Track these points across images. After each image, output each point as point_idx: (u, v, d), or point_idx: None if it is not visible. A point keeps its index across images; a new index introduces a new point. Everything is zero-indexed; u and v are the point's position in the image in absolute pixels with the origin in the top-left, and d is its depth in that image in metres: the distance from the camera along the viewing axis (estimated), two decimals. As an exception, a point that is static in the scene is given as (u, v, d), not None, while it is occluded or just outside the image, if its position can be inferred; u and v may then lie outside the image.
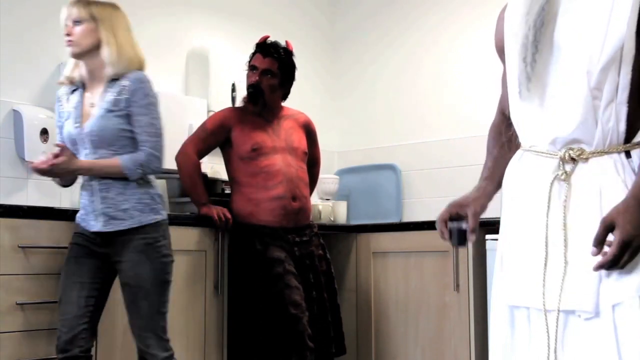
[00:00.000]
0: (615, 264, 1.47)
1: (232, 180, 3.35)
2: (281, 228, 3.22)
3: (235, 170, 3.32)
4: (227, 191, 3.58)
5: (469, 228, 1.78)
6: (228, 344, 3.16)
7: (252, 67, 3.35)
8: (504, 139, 1.82)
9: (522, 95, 1.63)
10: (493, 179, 1.82)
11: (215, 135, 3.33)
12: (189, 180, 3.28)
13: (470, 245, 1.77)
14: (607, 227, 1.48)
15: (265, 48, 3.34)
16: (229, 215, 3.19)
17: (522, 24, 1.60)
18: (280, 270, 3.11)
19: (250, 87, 3.33)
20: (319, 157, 3.61)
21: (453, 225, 1.79)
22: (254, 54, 3.38)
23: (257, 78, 3.31)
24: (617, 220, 1.47)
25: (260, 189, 3.24)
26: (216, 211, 3.17)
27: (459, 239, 1.77)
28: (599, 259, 1.49)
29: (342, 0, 4.83)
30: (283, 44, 3.39)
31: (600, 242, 1.49)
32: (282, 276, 3.10)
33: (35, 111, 3.21)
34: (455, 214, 1.81)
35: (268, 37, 3.40)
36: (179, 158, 3.30)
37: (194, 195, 3.25)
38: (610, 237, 1.48)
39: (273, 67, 3.33)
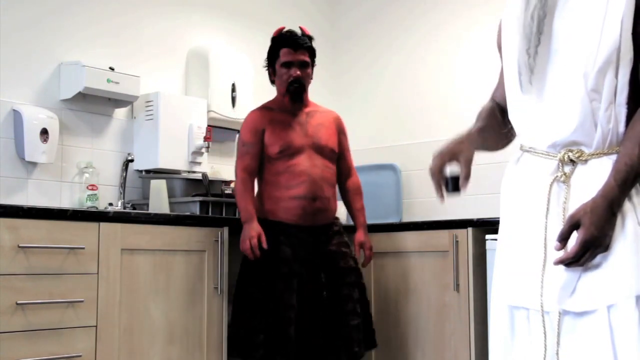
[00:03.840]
0: (576, 261, 1.51)
1: (258, 178, 3.32)
2: (296, 226, 3.20)
3: (263, 168, 3.29)
4: (227, 191, 3.59)
5: (463, 175, 1.70)
6: (228, 339, 3.15)
7: (286, 64, 3.26)
8: (502, 130, 1.79)
9: (524, 88, 1.63)
10: (480, 134, 1.75)
11: (256, 143, 3.26)
12: (239, 198, 3.22)
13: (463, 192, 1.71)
14: (573, 225, 1.52)
15: (293, 41, 3.27)
16: (259, 243, 3.13)
17: (523, 17, 1.60)
18: (285, 270, 3.11)
19: (295, 82, 3.25)
20: (351, 164, 3.47)
21: (447, 174, 1.71)
22: (276, 49, 3.28)
23: (300, 72, 3.25)
24: (582, 219, 1.50)
25: (282, 188, 3.22)
26: (250, 242, 3.10)
27: (454, 186, 1.69)
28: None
29: (341, 1, 4.83)
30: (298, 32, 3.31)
31: (564, 238, 1.53)
32: (285, 276, 3.11)
33: (35, 111, 3.21)
34: (447, 163, 1.72)
35: (283, 28, 3.34)
36: (238, 186, 3.25)
37: (242, 211, 3.20)
38: (575, 235, 1.52)
39: (306, 57, 3.28)
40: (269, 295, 3.08)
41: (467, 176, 1.68)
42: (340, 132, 3.43)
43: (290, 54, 3.25)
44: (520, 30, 1.61)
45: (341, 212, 4.13)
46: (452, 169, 1.68)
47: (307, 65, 3.28)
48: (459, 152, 1.72)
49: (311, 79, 3.34)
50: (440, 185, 1.72)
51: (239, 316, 3.12)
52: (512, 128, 1.75)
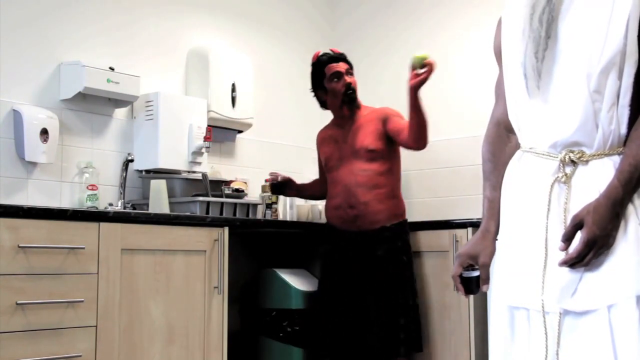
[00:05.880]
0: (579, 261, 1.51)
1: None
2: (344, 231, 3.48)
3: None
4: (227, 191, 3.59)
5: (482, 279, 1.78)
6: None
7: (336, 75, 3.52)
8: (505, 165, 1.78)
9: (531, 93, 1.62)
10: (495, 217, 1.78)
11: (319, 160, 3.75)
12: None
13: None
14: (577, 225, 1.52)
15: (332, 57, 3.56)
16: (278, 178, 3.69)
17: (530, 21, 1.60)
18: (327, 273, 3.52)
19: (349, 88, 3.53)
20: (400, 128, 3.46)
21: (465, 275, 1.81)
22: (321, 68, 3.55)
23: (351, 79, 3.55)
24: (585, 218, 1.51)
25: (329, 198, 3.58)
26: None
27: (472, 288, 1.80)
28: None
29: (342, 3, 4.82)
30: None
31: (568, 238, 1.53)
32: (326, 278, 3.53)
33: (35, 111, 3.21)
34: (467, 266, 1.81)
35: (319, 52, 3.62)
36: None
37: None
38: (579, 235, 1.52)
39: (347, 66, 3.57)
40: (320, 294, 3.53)
41: (485, 280, 1.77)
42: (385, 120, 3.53)
43: (336, 66, 3.52)
44: (526, 34, 1.60)
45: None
46: (467, 272, 1.79)
47: (352, 73, 3.51)
48: (477, 254, 1.79)
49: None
50: (459, 289, 1.82)
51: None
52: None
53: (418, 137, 3.38)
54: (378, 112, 3.57)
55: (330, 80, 3.52)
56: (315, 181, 3.84)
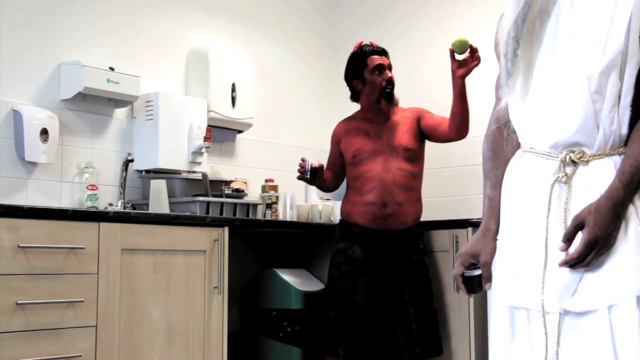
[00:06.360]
0: (580, 261, 1.51)
1: (346, 182, 3.62)
2: (369, 229, 3.39)
3: (346, 173, 3.59)
4: (227, 191, 3.59)
5: (484, 277, 1.76)
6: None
7: (379, 68, 3.49)
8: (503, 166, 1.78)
9: (502, 92, 1.64)
10: (496, 215, 1.77)
11: (334, 151, 3.66)
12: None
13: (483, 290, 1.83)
14: (578, 225, 1.52)
15: (377, 49, 3.54)
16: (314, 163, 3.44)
17: (508, 21, 1.62)
18: (350, 270, 3.35)
19: (389, 84, 3.51)
20: (437, 121, 3.50)
21: (466, 274, 1.80)
22: (363, 59, 3.52)
23: (392, 75, 3.53)
24: (587, 219, 1.51)
25: (357, 193, 3.46)
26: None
27: (473, 287, 1.79)
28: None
29: (341, 3, 4.82)
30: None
31: (569, 239, 1.53)
32: (349, 275, 3.34)
33: (35, 111, 3.21)
34: (468, 265, 1.80)
35: (362, 42, 3.59)
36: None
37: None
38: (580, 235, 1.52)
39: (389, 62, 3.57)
40: (339, 291, 3.34)
41: (487, 279, 1.75)
42: (419, 118, 3.54)
43: (379, 59, 3.50)
44: (511, 35, 1.63)
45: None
46: (468, 271, 1.78)
47: (392, 69, 3.55)
48: (478, 253, 1.78)
49: None
50: (461, 286, 1.80)
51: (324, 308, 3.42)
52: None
53: (461, 126, 3.40)
54: (411, 110, 3.58)
55: (372, 72, 3.50)
56: (326, 172, 3.69)
